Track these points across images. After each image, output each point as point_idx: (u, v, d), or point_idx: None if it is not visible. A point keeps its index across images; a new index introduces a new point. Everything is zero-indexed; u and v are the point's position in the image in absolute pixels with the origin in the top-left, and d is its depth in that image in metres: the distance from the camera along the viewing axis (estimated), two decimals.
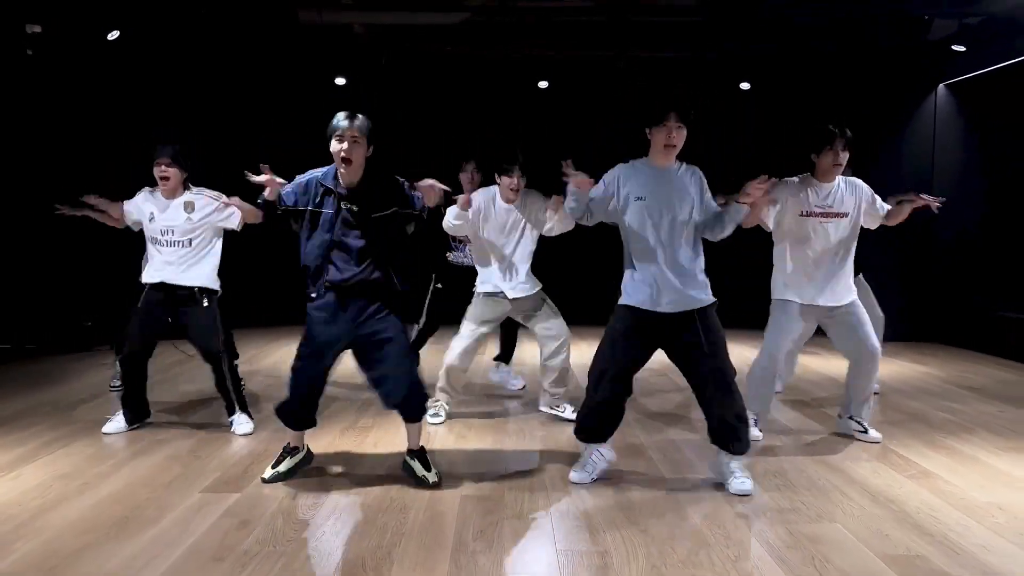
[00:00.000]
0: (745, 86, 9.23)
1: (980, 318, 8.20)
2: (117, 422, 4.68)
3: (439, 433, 4.75)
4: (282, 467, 3.85)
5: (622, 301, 3.76)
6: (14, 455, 4.20)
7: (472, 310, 5.00)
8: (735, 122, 9.64)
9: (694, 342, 3.64)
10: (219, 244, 4.76)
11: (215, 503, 3.51)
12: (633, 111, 3.98)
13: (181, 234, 4.63)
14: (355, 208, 3.65)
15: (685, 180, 3.77)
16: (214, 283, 4.73)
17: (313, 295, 3.71)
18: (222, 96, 9.28)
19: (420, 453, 3.90)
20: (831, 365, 7.02)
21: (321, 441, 4.50)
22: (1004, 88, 7.98)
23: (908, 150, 8.85)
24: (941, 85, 8.69)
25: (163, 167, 4.61)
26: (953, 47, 7.75)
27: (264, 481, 3.78)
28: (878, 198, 4.59)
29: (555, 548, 3.06)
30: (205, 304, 4.64)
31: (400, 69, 9.47)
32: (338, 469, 4.03)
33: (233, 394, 4.73)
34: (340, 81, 9.19)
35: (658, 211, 3.69)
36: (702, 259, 3.77)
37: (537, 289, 5.00)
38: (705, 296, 3.69)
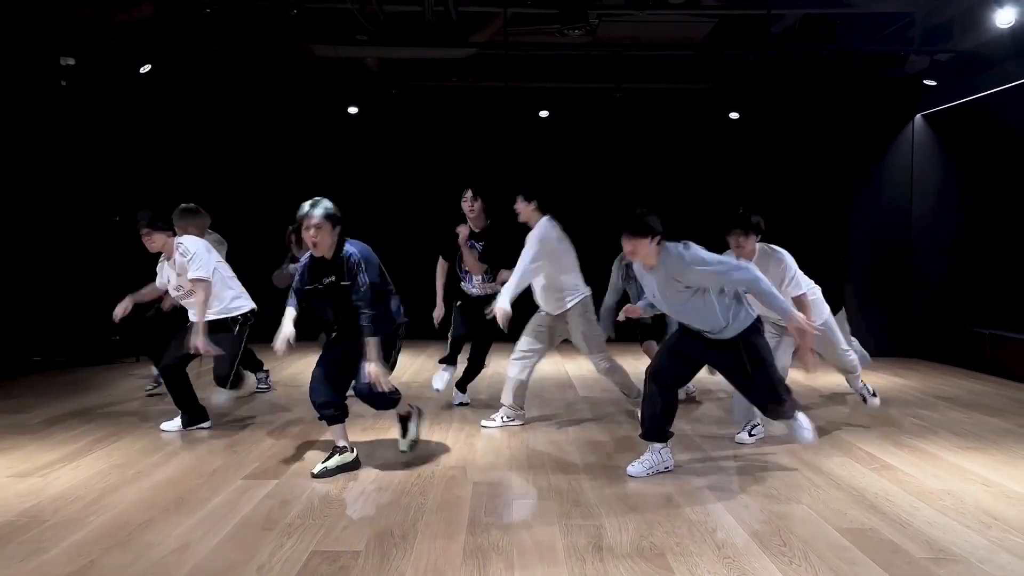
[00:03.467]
0: (734, 116, 9.78)
1: (957, 334, 8.68)
2: (174, 422, 5.21)
3: (449, 434, 5.22)
4: (330, 463, 4.23)
5: None
6: (70, 449, 4.67)
7: None
8: (725, 150, 10.22)
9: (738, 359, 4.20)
10: (219, 276, 5.19)
11: (257, 488, 3.98)
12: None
13: (176, 287, 5.20)
14: (331, 279, 4.23)
15: (670, 273, 4.06)
16: (232, 311, 5.23)
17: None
18: (243, 124, 9.85)
19: (404, 419, 4.67)
20: (817, 378, 7.48)
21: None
22: (976, 118, 8.54)
23: (887, 178, 9.40)
24: (918, 116, 9.24)
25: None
26: (925, 82, 8.30)
27: (313, 476, 4.15)
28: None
29: (557, 522, 3.54)
30: (236, 331, 5.22)
31: (409, 99, 10.05)
32: (363, 461, 4.49)
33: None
34: (353, 110, 9.76)
35: (666, 306, 4.29)
36: (733, 308, 4.12)
37: (561, 311, 5.39)
38: (736, 332, 4.13)
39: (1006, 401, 6.67)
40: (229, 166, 9.87)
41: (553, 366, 8.13)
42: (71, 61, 8.24)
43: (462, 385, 6.19)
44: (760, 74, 9.25)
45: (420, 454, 4.67)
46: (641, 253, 4.06)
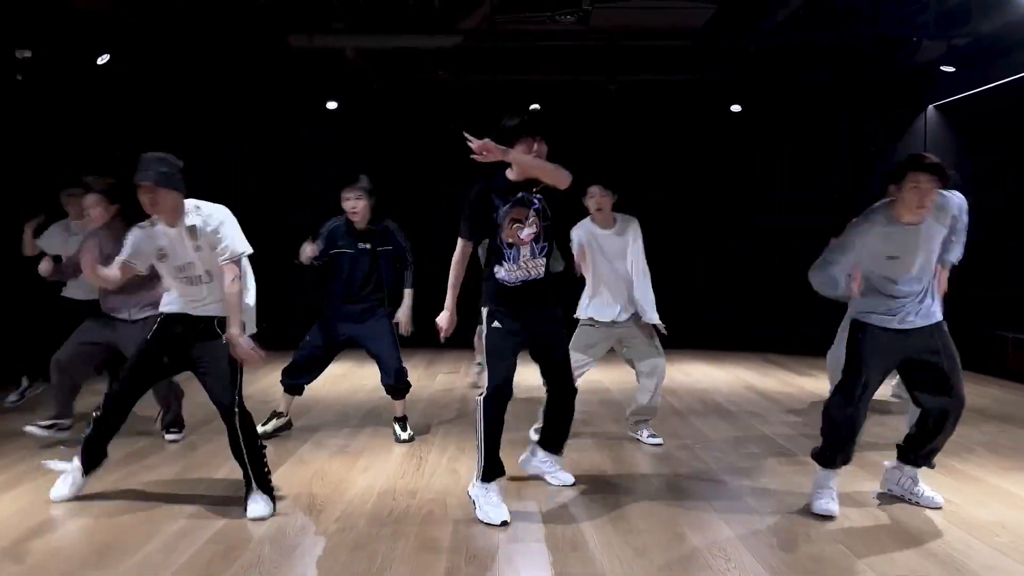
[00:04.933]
0: (736, 108, 9.27)
1: (978, 338, 8.16)
2: (66, 472, 3.81)
3: (430, 458, 4.65)
4: (269, 426, 5.01)
5: None
6: (5, 476, 4.11)
7: None
8: (726, 144, 9.71)
9: None
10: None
11: (201, 529, 3.41)
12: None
13: (182, 267, 3.81)
14: (368, 246, 5.02)
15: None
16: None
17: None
18: (214, 121, 9.28)
19: (402, 419, 5.10)
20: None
21: (311, 465, 4.43)
22: (991, 108, 8.04)
23: None
24: (931, 106, 8.75)
25: (145, 194, 3.65)
26: (942, 68, 7.79)
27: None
28: None
29: (551, 572, 2.98)
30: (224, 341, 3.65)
31: (391, 93, 9.49)
32: (328, 494, 3.93)
33: (248, 462, 3.66)
34: (332, 105, 9.21)
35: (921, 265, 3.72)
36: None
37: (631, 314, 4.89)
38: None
39: None
40: (200, 164, 9.30)
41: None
42: (27, 54, 7.72)
43: (554, 443, 4.10)
44: (762, 64, 8.74)
45: (392, 484, 4.10)
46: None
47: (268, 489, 3.67)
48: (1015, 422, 5.72)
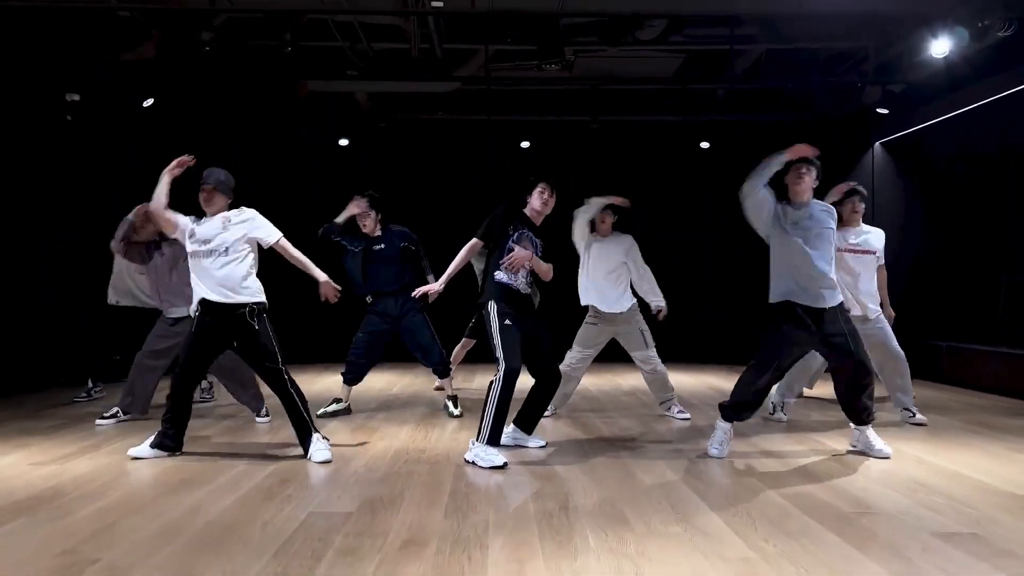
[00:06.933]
0: (705, 145, 10.36)
1: (916, 347, 9.13)
2: (146, 448, 4.68)
3: (435, 433, 5.61)
4: (330, 408, 6.15)
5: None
6: (84, 444, 5.06)
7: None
8: (696, 179, 10.79)
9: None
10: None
11: (257, 470, 4.37)
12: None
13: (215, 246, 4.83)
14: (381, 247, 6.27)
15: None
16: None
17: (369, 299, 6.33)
18: (238, 156, 10.32)
19: (453, 398, 6.34)
20: None
21: (337, 436, 5.34)
22: (928, 144, 9.14)
23: None
24: (877, 143, 9.83)
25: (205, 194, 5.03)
26: (877, 110, 8.90)
27: (318, 416, 5.39)
28: None
29: (530, 489, 3.96)
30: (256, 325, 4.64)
31: (397, 132, 10.59)
32: (354, 452, 4.89)
33: (305, 415, 4.68)
34: (344, 142, 10.29)
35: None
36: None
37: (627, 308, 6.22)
38: None
39: (960, 405, 7.09)
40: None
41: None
42: (76, 97, 8.74)
43: (531, 424, 5.07)
44: (728, 106, 9.85)
45: (406, 446, 5.07)
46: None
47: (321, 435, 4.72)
48: (935, 411, 6.62)
